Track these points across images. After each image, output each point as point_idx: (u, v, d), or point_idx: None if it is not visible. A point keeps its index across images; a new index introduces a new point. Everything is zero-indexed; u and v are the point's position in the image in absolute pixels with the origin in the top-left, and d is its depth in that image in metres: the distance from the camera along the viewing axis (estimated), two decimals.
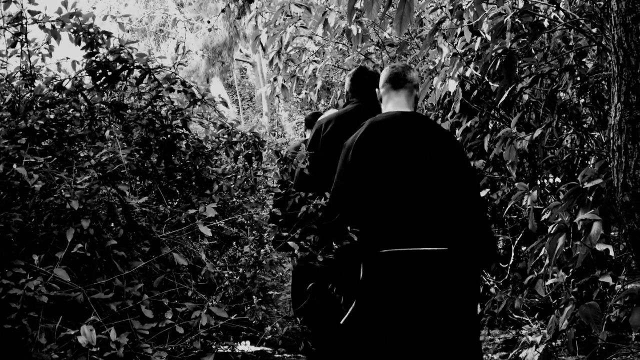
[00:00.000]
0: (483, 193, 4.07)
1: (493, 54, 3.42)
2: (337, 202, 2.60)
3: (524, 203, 3.37)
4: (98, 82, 2.66)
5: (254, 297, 2.49)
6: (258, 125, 3.19)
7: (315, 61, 5.63)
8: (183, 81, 2.70)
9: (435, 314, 2.38)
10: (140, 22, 18.31)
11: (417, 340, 2.36)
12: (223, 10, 10.60)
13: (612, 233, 3.71)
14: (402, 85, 2.69)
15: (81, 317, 2.08)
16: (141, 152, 2.67)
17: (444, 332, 2.38)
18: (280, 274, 3.14)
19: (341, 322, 2.52)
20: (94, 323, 2.02)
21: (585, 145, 3.88)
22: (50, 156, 2.37)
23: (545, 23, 3.40)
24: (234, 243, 2.80)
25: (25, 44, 2.63)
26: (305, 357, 3.77)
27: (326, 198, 2.68)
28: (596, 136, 3.81)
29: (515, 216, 4.53)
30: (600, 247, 2.79)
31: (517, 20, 3.37)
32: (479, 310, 3.23)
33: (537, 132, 3.44)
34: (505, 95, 3.48)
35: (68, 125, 2.57)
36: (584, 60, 3.66)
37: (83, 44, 2.63)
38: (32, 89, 2.64)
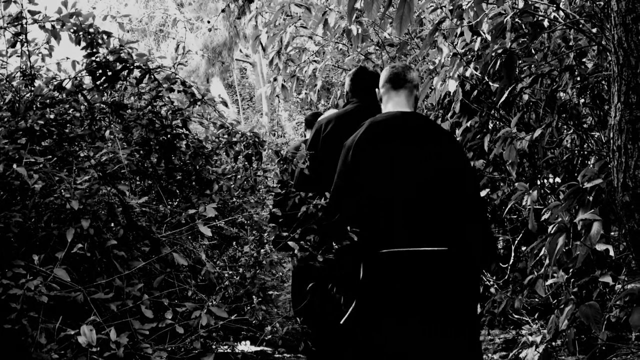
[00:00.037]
0: (483, 193, 4.07)
1: (493, 54, 3.42)
2: (337, 202, 2.60)
3: (524, 203, 3.37)
4: (98, 82, 2.66)
5: (254, 297, 2.49)
6: (258, 125, 3.19)
7: (315, 61, 5.62)
8: (183, 81, 2.70)
9: (435, 314, 2.38)
10: (140, 22, 18.30)
11: (417, 340, 2.36)
12: (223, 10, 10.60)
13: (612, 233, 3.71)
14: (402, 85, 2.69)
15: (81, 317, 2.08)
16: (141, 152, 2.67)
17: (444, 332, 2.38)
18: (280, 274, 3.14)
19: (341, 322, 2.51)
20: (94, 323, 2.02)
21: (585, 145, 3.88)
22: (50, 156, 2.37)
23: (545, 23, 3.40)
24: (234, 243, 2.80)
25: (25, 44, 2.63)
26: (305, 357, 3.77)
27: (326, 198, 2.68)
28: (596, 136, 3.81)
29: (515, 216, 4.53)
30: (600, 247, 2.79)
31: (517, 20, 3.37)
32: (479, 310, 3.23)
33: (537, 132, 3.44)
34: (505, 95, 3.48)
35: (68, 125, 2.57)
36: (584, 60, 3.66)
37: (83, 44, 2.63)
38: (32, 89, 2.64)
